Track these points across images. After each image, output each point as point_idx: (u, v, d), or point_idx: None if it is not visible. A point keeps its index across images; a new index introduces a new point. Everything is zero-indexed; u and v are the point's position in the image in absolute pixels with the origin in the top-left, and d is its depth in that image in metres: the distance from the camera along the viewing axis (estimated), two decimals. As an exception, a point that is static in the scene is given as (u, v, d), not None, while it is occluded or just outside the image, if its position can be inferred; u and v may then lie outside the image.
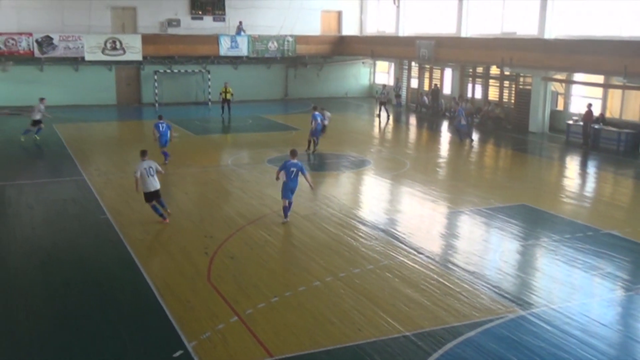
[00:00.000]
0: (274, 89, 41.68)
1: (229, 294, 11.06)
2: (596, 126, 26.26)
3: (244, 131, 29.83)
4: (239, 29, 39.25)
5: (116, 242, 13.94)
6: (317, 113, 23.74)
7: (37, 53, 35.19)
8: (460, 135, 27.01)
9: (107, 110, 36.22)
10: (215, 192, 18.61)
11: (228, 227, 14.98)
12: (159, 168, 15.14)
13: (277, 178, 15.41)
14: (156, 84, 37.67)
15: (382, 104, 33.47)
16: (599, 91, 27.88)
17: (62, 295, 11.21)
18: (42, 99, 26.48)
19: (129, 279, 11.96)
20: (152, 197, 14.99)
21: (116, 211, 16.15)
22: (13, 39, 34.77)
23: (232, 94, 33.89)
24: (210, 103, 38.18)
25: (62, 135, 27.32)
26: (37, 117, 25.55)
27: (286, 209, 15.26)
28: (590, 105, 26.46)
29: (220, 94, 33.97)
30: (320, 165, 22.71)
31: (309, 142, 24.07)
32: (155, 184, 14.88)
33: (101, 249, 13.64)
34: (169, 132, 22.38)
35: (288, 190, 15.15)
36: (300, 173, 15.14)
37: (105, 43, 36.17)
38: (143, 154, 15.21)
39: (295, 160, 15.21)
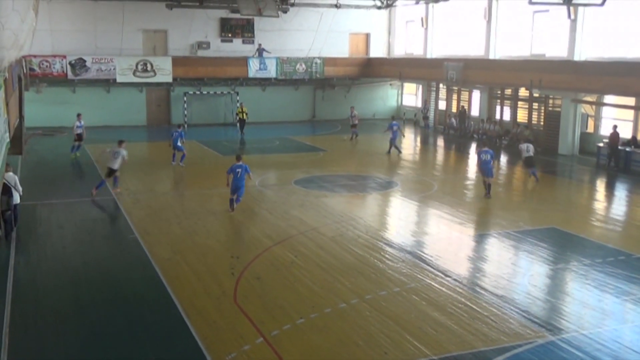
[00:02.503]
0: (302, 111, 41.94)
1: (255, 315, 11.06)
2: (627, 149, 25.90)
3: (271, 152, 29.99)
4: (259, 52, 39.64)
5: (144, 261, 14.05)
6: (394, 122, 25.17)
7: (70, 75, 35.93)
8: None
9: (138, 131, 36.73)
10: (242, 212, 18.68)
11: (255, 247, 15.02)
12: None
13: (228, 184, 18.02)
14: (185, 105, 38.16)
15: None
16: (630, 113, 27.52)
17: (90, 314, 11.31)
18: (79, 115, 27.74)
19: (156, 299, 12.03)
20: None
21: (145, 231, 16.30)
22: (47, 61, 35.57)
23: (247, 114, 34.38)
24: (239, 125, 38.48)
25: (93, 155, 27.73)
26: (78, 131, 27.27)
27: (232, 202, 17.95)
28: (615, 127, 26.20)
29: (237, 114, 34.43)
30: (347, 187, 22.71)
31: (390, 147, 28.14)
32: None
33: (129, 269, 13.77)
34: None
35: (235, 187, 17.86)
36: (245, 173, 18.03)
37: (136, 65, 36.82)
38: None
39: (240, 163, 18.06)
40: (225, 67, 38.96)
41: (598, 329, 10.81)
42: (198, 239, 15.72)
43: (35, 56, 34.94)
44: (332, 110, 41.97)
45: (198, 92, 39.03)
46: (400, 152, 28.61)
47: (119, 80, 36.75)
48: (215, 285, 12.60)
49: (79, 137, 27.20)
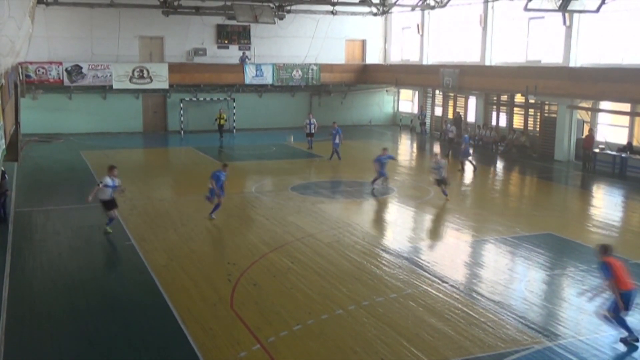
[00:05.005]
0: (298, 117, 41.86)
1: (251, 322, 11.03)
2: (623, 155, 25.99)
3: (267, 158, 29.98)
4: (242, 59, 39.70)
5: (140, 268, 14.02)
6: (384, 156, 22.81)
7: (66, 81, 35.93)
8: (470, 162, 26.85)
9: (134, 138, 36.73)
10: (239, 219, 18.67)
11: (251, 254, 14.99)
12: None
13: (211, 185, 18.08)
14: (182, 112, 38.15)
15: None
16: (625, 119, 27.63)
17: (86, 321, 11.26)
18: (111, 168, 16.59)
19: (152, 305, 11.99)
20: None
21: (141, 237, 16.26)
22: (43, 68, 35.57)
23: (225, 120, 34.34)
24: (235, 131, 38.51)
25: (89, 162, 27.69)
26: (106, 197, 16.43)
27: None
28: (591, 130, 26.72)
29: (216, 119, 34.36)
30: (344, 193, 22.70)
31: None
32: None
33: (125, 275, 13.74)
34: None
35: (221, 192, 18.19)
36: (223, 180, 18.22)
37: (132, 72, 36.83)
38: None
39: (224, 171, 18.33)
40: (222, 74, 39.02)
41: (595, 334, 10.81)
42: (194, 246, 15.69)
43: (31, 63, 34.89)
44: (329, 117, 41.82)
45: (194, 99, 39.03)
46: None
47: (115, 86, 36.74)
48: (212, 291, 12.56)
49: (108, 205, 16.43)
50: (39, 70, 35.43)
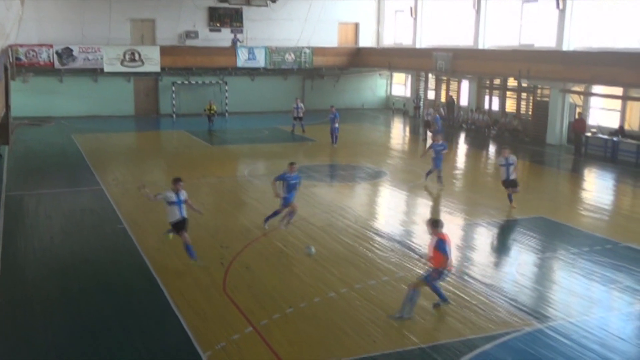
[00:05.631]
0: (291, 100, 41.70)
1: (244, 305, 11.07)
2: (615, 138, 26.09)
3: (260, 142, 29.94)
4: (234, 42, 39.47)
5: (133, 252, 14.02)
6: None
7: (57, 64, 35.68)
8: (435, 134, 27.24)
9: (125, 121, 36.57)
10: (231, 202, 18.67)
11: (244, 237, 15.01)
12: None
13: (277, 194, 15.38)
14: (174, 95, 37.97)
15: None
16: (617, 103, 27.70)
17: (80, 305, 11.27)
18: (175, 181, 13.13)
19: (145, 289, 12.01)
20: None
21: (133, 221, 16.25)
22: (34, 51, 35.29)
23: (215, 111, 33.87)
24: (227, 114, 38.39)
25: (81, 145, 27.58)
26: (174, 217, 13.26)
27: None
28: (580, 114, 26.81)
29: (205, 110, 33.87)
30: (336, 177, 22.72)
31: None
32: None
33: (118, 259, 13.72)
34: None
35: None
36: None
37: (124, 55, 36.59)
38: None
39: (291, 172, 15.29)
40: (214, 57, 38.81)
41: (585, 316, 10.91)
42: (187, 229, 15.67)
43: (21, 45, 34.67)
44: (321, 100, 41.86)
45: (186, 82, 38.85)
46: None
47: (106, 69, 36.53)
48: (205, 275, 12.58)
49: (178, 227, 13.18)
50: (29, 53, 35.15)
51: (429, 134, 28.60)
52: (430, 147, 20.78)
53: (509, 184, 17.62)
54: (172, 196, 12.62)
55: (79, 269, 12.99)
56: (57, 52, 35.55)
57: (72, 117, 36.31)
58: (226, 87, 39.03)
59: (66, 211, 17.35)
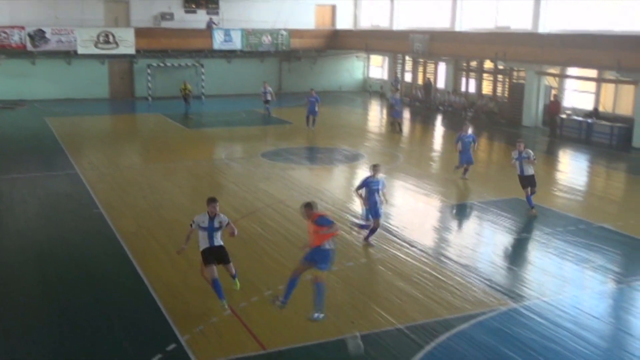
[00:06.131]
0: (268, 83, 41.70)
1: (222, 288, 11.06)
2: (589, 120, 26.41)
3: (237, 125, 29.80)
4: (208, 24, 39.13)
5: (109, 236, 13.93)
6: (469, 134, 19.38)
7: (29, 47, 35.08)
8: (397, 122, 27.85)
9: (100, 104, 36.14)
10: (209, 185, 18.61)
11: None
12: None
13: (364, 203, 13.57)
14: (149, 78, 37.56)
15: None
16: (592, 85, 28.00)
17: (57, 289, 11.20)
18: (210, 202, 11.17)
19: (122, 273, 11.95)
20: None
21: (109, 205, 16.13)
22: (5, 33, 34.65)
23: (190, 91, 33.38)
24: (204, 97, 38.11)
25: (55, 129, 27.23)
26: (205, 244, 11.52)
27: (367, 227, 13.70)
28: (555, 96, 27.15)
29: (181, 90, 33.37)
30: (313, 158, 22.73)
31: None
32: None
33: (95, 243, 13.63)
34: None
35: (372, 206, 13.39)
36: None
37: (98, 37, 36.06)
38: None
39: (374, 177, 13.28)
40: (189, 39, 38.42)
41: (558, 295, 11.10)
42: (164, 213, 15.63)
43: (-8, 27, 34.03)
44: (298, 83, 41.76)
45: (162, 65, 38.42)
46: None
47: (80, 52, 35.99)
48: (182, 258, 12.53)
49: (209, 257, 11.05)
50: (0, 35, 34.48)
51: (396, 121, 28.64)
52: (459, 139, 19.08)
53: (527, 181, 15.61)
54: (205, 221, 10.40)
55: (55, 254, 12.89)
56: (29, 34, 34.92)
57: (45, 100, 35.78)
58: (202, 70, 38.68)
59: (41, 195, 17.17)
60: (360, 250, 13.18)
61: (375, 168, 13.26)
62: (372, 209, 13.24)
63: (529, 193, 15.58)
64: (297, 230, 14.26)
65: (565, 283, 11.83)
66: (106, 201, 16.48)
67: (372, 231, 13.37)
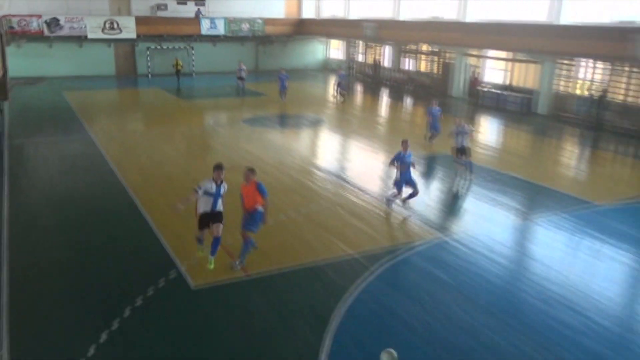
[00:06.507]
0: (247, 62, 40.77)
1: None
2: (504, 92, 26.69)
3: (222, 97, 29.32)
4: (196, 14, 38.10)
5: (119, 187, 13.75)
6: (436, 108, 18.28)
7: (46, 32, 33.63)
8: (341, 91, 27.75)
9: (108, 80, 35.10)
10: (200, 146, 18.41)
11: (211, 173, 14.84)
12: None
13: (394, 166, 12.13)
14: (149, 58, 36.56)
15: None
16: (505, 64, 28.18)
17: (76, 230, 11.07)
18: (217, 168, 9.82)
19: (131, 216, 11.85)
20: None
21: (118, 163, 15.86)
22: (25, 20, 33.12)
23: (182, 66, 32.87)
24: (194, 74, 37.31)
25: (70, 101, 26.43)
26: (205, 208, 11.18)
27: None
28: (474, 72, 27.81)
29: (173, 66, 32.82)
30: (284, 124, 22.58)
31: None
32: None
33: (107, 193, 13.44)
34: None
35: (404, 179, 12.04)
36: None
37: (104, 24, 34.77)
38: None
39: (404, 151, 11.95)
40: (181, 26, 37.36)
41: (477, 229, 11.39)
42: (164, 168, 15.45)
43: (14, 16, 32.51)
44: (272, 62, 41.12)
45: (159, 47, 37.33)
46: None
47: (89, 36, 34.67)
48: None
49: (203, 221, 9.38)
50: (21, 23, 32.97)
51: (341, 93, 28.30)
52: (430, 111, 18.03)
53: (461, 152, 14.59)
54: (211, 186, 8.92)
55: (75, 202, 12.69)
56: (45, 22, 33.45)
57: (61, 77, 34.59)
58: (192, 52, 37.75)
59: (61, 156, 16.77)
60: (322, 195, 13.26)
61: (404, 143, 11.80)
62: (408, 179, 11.79)
63: (463, 160, 14.49)
64: (272, 181, 14.27)
65: (483, 220, 12.12)
66: (116, 159, 16.20)
67: (412, 195, 11.95)
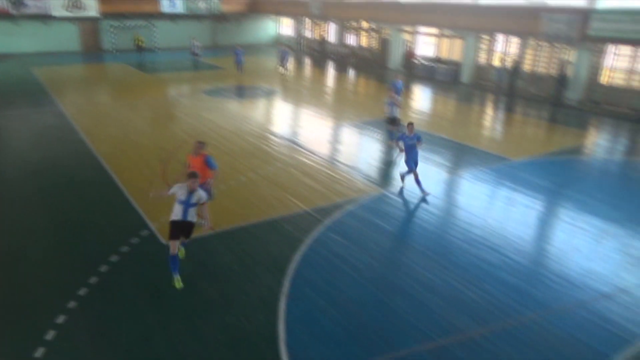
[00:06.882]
0: (205, 39, 39.38)
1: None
2: (433, 64, 26.86)
3: (183, 70, 28.21)
4: None
5: (90, 155, 13.14)
6: (399, 81, 16.77)
7: (12, 11, 31.12)
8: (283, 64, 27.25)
9: (74, 56, 33.05)
10: (164, 116, 17.74)
11: (176, 141, 14.43)
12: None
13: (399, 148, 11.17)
14: (113, 35, 34.56)
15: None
16: (434, 39, 28.27)
17: (50, 198, 10.55)
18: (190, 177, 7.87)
19: (103, 182, 11.39)
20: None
21: (88, 132, 15.12)
22: (-11, -1, 30.53)
23: (143, 42, 31.36)
24: (157, 50, 35.64)
25: (39, 76, 24.80)
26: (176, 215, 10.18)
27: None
28: (408, 46, 27.81)
29: (134, 42, 31.25)
30: (242, 94, 22.03)
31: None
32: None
33: (79, 161, 12.82)
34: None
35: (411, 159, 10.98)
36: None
37: (68, 2, 32.46)
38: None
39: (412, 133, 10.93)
40: (142, 5, 35.32)
41: (412, 184, 11.58)
42: (132, 137, 14.84)
43: (-23, -6, 29.85)
44: (228, 38, 39.72)
45: (122, 25, 35.30)
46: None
47: (54, 14, 32.33)
48: (148, 169, 12.08)
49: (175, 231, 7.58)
50: (-15, 1, 30.37)
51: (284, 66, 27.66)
52: (393, 84, 16.35)
53: (393, 121, 14.02)
54: (183, 195, 7.22)
55: (48, 171, 12.05)
56: (10, 1, 30.90)
57: (29, 54, 32.33)
58: (155, 29, 35.92)
59: (33, 127, 15.81)
60: (278, 158, 13.11)
61: (410, 126, 10.80)
62: (413, 160, 10.83)
63: (392, 129, 14.00)
64: (232, 146, 13.99)
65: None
66: (86, 130, 15.42)
67: (418, 181, 10.83)
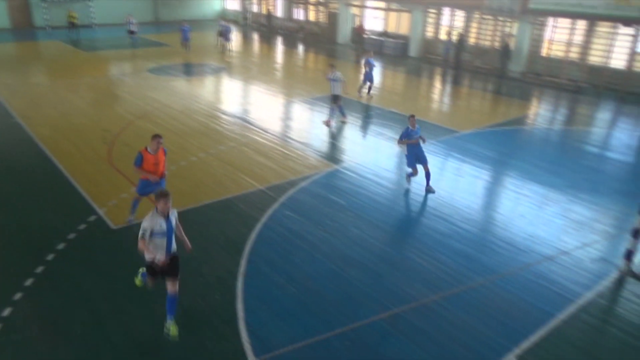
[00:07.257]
0: (147, 14, 37.73)
1: (127, 172, 10.48)
2: (381, 38, 26.99)
3: (124, 48, 26.99)
4: None
5: (29, 140, 12.46)
6: (371, 59, 17.09)
7: None
8: (225, 40, 26.45)
9: (3, 34, 30.85)
10: (107, 96, 17.00)
11: (121, 122, 13.90)
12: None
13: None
14: (45, 11, 32.42)
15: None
16: (382, 13, 28.37)
17: (-13, 184, 9.98)
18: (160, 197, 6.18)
19: (44, 168, 10.86)
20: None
21: (25, 115, 14.29)
22: None
23: (76, 18, 29.58)
24: (94, 26, 33.80)
25: (-35, 55, 23.06)
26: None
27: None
28: (359, 21, 27.94)
29: (67, 19, 29.32)
30: (189, 72, 21.40)
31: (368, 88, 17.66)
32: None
33: (17, 147, 12.14)
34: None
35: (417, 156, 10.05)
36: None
37: (-8, -26, 30.08)
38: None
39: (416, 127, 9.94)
40: (76, -23, 33.26)
41: (364, 158, 11.76)
42: (73, 119, 14.16)
43: None
44: (171, 13, 38.21)
45: (55, 0, 33.14)
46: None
47: (-23, -12, 29.95)
48: (92, 153, 11.62)
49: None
50: None
51: (224, 41, 26.91)
52: (367, 62, 16.79)
53: (336, 99, 13.86)
54: (162, 224, 5.67)
55: (-18, 157, 11.34)
56: None
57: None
58: (91, 4, 33.96)
59: (-39, 111, 14.76)
60: (229, 137, 12.92)
61: (412, 119, 9.77)
62: (420, 155, 9.94)
63: (334, 107, 13.97)
64: (181, 126, 13.65)
65: (368, 149, 12.51)
66: (22, 113, 14.56)
67: (427, 176, 10.06)
